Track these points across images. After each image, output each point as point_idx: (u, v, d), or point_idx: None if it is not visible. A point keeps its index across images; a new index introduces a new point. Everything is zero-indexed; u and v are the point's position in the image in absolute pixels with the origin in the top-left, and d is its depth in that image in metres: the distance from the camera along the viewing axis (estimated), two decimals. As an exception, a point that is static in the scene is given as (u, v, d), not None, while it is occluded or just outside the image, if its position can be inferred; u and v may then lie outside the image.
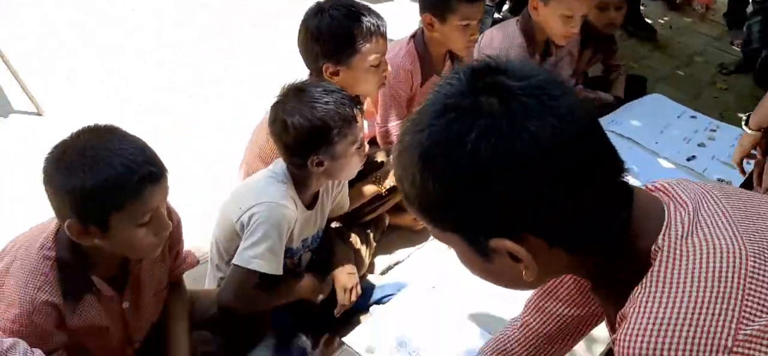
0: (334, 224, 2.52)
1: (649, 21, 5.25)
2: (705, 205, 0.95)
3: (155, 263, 1.81)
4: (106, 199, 1.46)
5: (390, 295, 2.33)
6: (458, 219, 0.92)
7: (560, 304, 1.38)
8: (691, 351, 0.83)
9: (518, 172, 0.84)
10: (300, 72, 2.12)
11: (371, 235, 2.67)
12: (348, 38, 2.23)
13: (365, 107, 2.37)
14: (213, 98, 3.69)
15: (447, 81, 0.92)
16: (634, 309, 0.89)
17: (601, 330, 1.46)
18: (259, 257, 1.93)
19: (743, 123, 2.39)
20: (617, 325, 0.95)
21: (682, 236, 0.90)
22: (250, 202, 1.96)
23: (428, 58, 2.81)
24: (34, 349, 1.52)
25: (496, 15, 4.64)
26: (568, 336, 1.45)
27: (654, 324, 0.86)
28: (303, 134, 1.90)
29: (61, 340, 1.62)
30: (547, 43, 3.24)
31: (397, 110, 2.77)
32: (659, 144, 3.31)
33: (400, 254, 2.77)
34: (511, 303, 1.77)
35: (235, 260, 1.96)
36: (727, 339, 0.83)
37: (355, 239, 2.56)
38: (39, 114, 3.45)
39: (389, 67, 2.40)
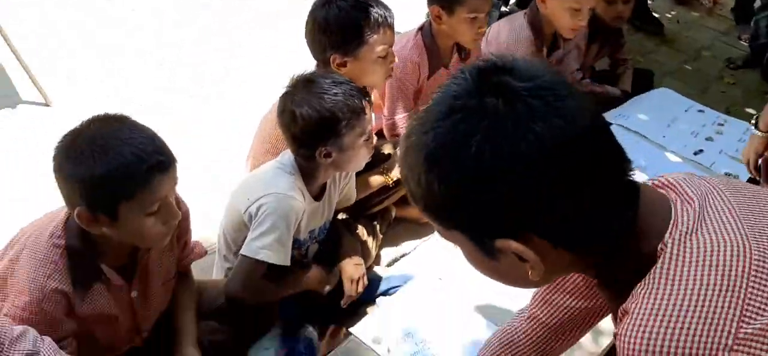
0: (340, 216, 2.52)
1: (656, 15, 5.23)
2: (711, 201, 0.95)
3: (164, 253, 1.82)
4: (115, 187, 1.47)
5: (396, 287, 2.34)
6: (464, 220, 0.92)
7: (567, 296, 1.38)
8: (691, 347, 0.83)
9: (523, 173, 0.84)
10: (300, 72, 2.12)
11: (378, 227, 2.67)
12: (356, 29, 2.24)
13: (372, 99, 2.37)
14: (213, 98, 3.69)
15: (453, 81, 0.91)
16: (637, 304, 0.89)
17: (607, 323, 1.46)
18: (267, 247, 1.93)
19: (752, 125, 2.39)
20: (619, 320, 0.95)
21: (686, 232, 0.90)
22: (259, 193, 1.97)
23: (436, 50, 2.81)
24: (43, 337, 1.52)
25: (503, 8, 4.62)
26: (575, 328, 1.45)
27: (655, 319, 0.86)
28: (311, 124, 1.91)
29: (70, 328, 1.62)
30: (555, 37, 3.23)
31: (404, 102, 2.77)
32: (666, 138, 3.31)
33: (406, 246, 2.78)
34: (517, 296, 1.78)
35: (243, 251, 1.96)
36: (727, 337, 0.82)
37: (361, 230, 2.57)
38: (47, 105, 3.46)
39: (396, 59, 2.40)
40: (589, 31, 3.44)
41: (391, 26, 2.30)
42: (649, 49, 4.88)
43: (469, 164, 0.85)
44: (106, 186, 1.46)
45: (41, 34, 3.55)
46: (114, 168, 1.45)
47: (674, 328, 0.84)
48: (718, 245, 0.88)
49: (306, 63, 2.01)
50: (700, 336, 0.83)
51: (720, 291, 0.85)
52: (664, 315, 0.85)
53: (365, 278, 2.25)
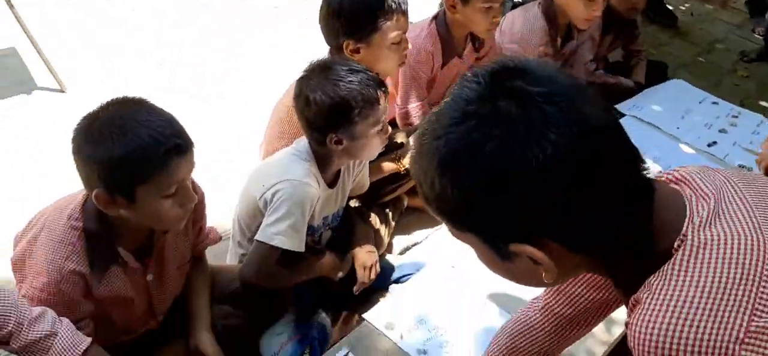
0: (352, 203, 2.53)
1: (670, 7, 5.21)
2: (726, 195, 0.94)
3: (179, 237, 1.83)
4: (133, 169, 1.48)
5: (408, 275, 2.34)
6: (477, 224, 0.92)
7: (582, 287, 1.38)
8: (702, 339, 0.83)
9: (537, 180, 0.83)
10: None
11: (390, 215, 2.68)
12: (369, 15, 2.23)
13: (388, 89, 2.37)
14: (213, 98, 3.69)
15: (466, 84, 0.90)
16: (649, 295, 0.89)
17: (619, 312, 1.46)
18: (282, 233, 1.94)
19: None
20: (630, 310, 0.95)
21: (701, 226, 0.90)
22: (274, 179, 1.97)
23: (450, 40, 2.80)
24: (62, 318, 1.54)
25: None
26: (589, 318, 1.45)
27: (668, 310, 0.86)
28: (324, 110, 1.91)
29: (87, 310, 1.64)
30: (569, 27, 3.23)
31: (417, 91, 2.77)
32: (680, 130, 3.29)
33: (418, 235, 2.79)
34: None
35: (257, 237, 1.97)
36: (739, 330, 0.82)
37: (374, 219, 2.57)
38: (62, 91, 3.48)
39: (410, 46, 2.40)
40: (604, 22, 3.43)
41: (404, 13, 2.29)
42: (662, 41, 4.87)
43: (483, 170, 0.84)
44: (124, 168, 1.46)
45: (41, 34, 3.56)
46: (132, 150, 1.45)
47: (686, 319, 0.84)
48: (732, 239, 0.88)
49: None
50: (712, 327, 0.83)
51: (733, 283, 0.84)
52: (675, 306, 0.85)
53: (378, 265, 2.25)
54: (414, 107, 2.78)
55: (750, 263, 0.86)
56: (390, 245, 2.71)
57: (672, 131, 3.27)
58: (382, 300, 2.17)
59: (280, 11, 4.68)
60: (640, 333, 0.87)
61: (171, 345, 1.94)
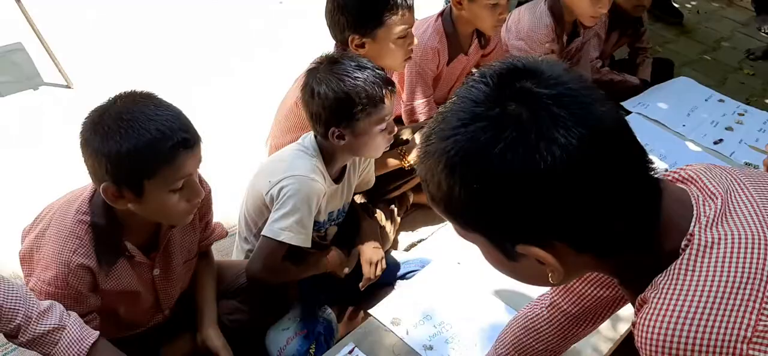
0: (358, 199, 2.53)
1: (676, 5, 5.20)
2: (733, 194, 0.94)
3: (186, 232, 1.83)
4: (140, 163, 1.48)
5: (414, 271, 2.35)
6: (484, 224, 0.92)
7: (589, 285, 1.38)
8: (709, 338, 0.83)
9: (545, 182, 0.83)
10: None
11: (395, 211, 2.68)
12: (374, 10, 2.23)
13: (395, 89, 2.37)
14: (220, 93, 3.68)
15: (474, 85, 0.90)
16: (656, 294, 0.89)
17: (625, 309, 1.46)
18: (288, 229, 1.94)
19: None
20: (637, 310, 0.95)
21: (708, 226, 0.90)
22: (280, 175, 1.97)
23: (456, 36, 2.80)
24: (70, 312, 1.55)
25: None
26: (597, 316, 1.45)
27: (674, 310, 0.86)
28: (327, 103, 1.91)
29: (94, 303, 1.65)
30: (575, 25, 3.22)
31: (423, 87, 2.77)
32: (686, 127, 3.28)
33: (423, 231, 2.79)
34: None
35: (264, 232, 1.97)
36: (746, 329, 0.82)
37: (380, 215, 2.57)
38: (68, 87, 3.49)
39: (416, 41, 2.40)
40: (610, 19, 3.43)
41: (410, 7, 2.29)
42: (668, 39, 4.85)
43: (491, 173, 0.84)
44: (132, 162, 1.47)
45: (48, 30, 3.54)
46: (140, 144, 1.45)
47: (693, 319, 0.84)
48: (740, 238, 0.88)
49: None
50: (719, 327, 0.83)
51: (740, 283, 0.84)
52: (683, 306, 0.85)
53: (384, 261, 2.26)
54: (420, 104, 2.78)
55: (757, 263, 0.85)
56: (396, 241, 2.70)
57: (678, 128, 3.26)
58: (387, 296, 2.17)
59: (280, 11, 4.67)
60: (647, 332, 0.87)
61: (178, 339, 1.95)
